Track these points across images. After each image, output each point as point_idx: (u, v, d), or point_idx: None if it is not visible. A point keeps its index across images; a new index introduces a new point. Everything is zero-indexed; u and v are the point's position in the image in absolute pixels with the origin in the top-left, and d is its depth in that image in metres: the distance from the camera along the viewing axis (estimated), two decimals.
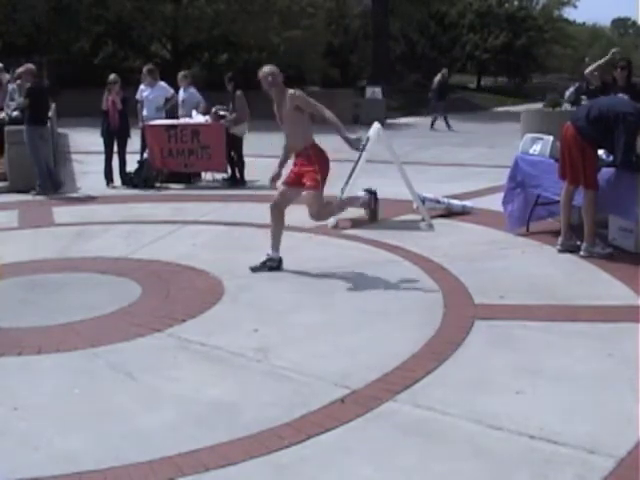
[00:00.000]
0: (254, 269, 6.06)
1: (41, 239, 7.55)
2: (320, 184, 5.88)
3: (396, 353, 4.36)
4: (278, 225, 6.11)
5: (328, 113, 5.83)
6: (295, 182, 5.96)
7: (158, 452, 3.30)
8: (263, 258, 6.09)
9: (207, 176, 11.52)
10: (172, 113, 11.70)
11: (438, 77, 22.94)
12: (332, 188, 8.52)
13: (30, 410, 3.75)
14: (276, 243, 6.11)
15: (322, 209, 6.01)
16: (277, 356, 4.37)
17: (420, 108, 29.92)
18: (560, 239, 6.71)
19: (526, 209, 7.44)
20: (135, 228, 7.95)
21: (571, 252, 6.57)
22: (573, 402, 3.75)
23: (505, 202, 7.55)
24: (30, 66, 10.45)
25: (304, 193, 5.91)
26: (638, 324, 4.77)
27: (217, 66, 27.74)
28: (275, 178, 6.17)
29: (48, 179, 10.24)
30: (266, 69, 5.96)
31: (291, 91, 5.85)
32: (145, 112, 11.39)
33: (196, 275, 6.10)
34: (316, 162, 5.86)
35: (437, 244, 7.03)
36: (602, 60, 8.10)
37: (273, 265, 6.07)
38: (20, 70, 10.73)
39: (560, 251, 6.63)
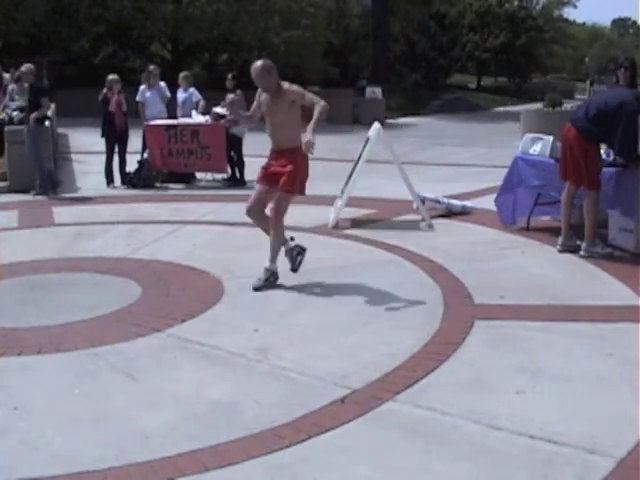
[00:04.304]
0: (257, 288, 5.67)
1: (41, 239, 7.55)
2: (297, 189, 5.65)
3: (396, 353, 4.36)
4: (264, 225, 5.79)
5: (320, 107, 5.41)
6: (273, 182, 5.64)
7: (158, 452, 3.30)
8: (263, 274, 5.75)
9: (207, 176, 11.53)
10: (171, 113, 11.72)
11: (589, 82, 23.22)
12: (332, 188, 8.56)
13: (30, 410, 3.75)
14: (274, 253, 5.73)
15: (283, 213, 5.69)
16: (277, 356, 4.37)
17: (420, 108, 29.96)
18: (560, 239, 6.71)
19: (516, 207, 7.54)
20: (135, 228, 7.95)
21: (571, 252, 6.57)
22: (573, 402, 3.75)
23: (497, 198, 7.64)
24: (30, 65, 10.46)
25: (278, 193, 5.62)
26: (638, 324, 4.77)
27: (217, 66, 27.77)
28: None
29: (48, 179, 10.24)
30: (260, 63, 5.55)
31: (287, 85, 5.59)
32: (148, 112, 11.39)
33: (196, 275, 6.10)
34: (301, 165, 5.62)
35: (437, 244, 7.03)
36: None
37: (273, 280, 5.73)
38: (22, 70, 10.74)
39: (560, 251, 6.63)
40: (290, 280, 5.81)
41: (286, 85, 5.62)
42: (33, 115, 9.92)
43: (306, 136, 5.38)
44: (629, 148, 6.25)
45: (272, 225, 5.72)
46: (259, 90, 5.74)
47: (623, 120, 6.15)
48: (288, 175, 5.58)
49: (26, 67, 10.40)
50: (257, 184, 5.86)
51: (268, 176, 5.73)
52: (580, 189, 6.53)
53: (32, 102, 10.07)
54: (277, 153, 5.71)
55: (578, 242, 6.62)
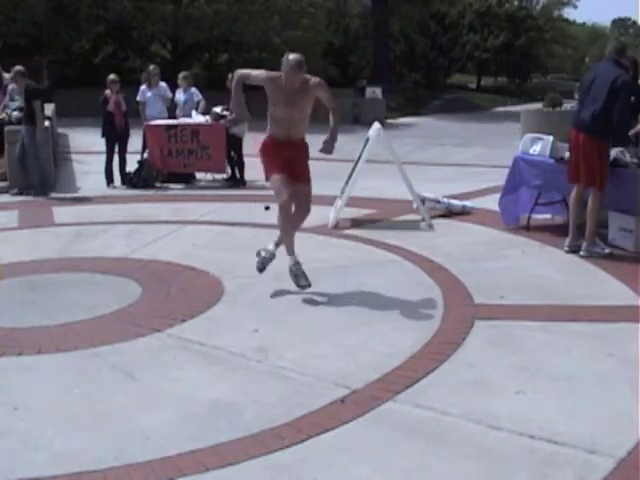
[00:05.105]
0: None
1: (41, 239, 7.55)
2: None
3: (396, 353, 4.36)
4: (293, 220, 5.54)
5: (337, 111, 5.52)
6: (290, 173, 5.45)
7: (158, 452, 3.30)
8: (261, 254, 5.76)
9: (207, 176, 11.53)
10: (171, 114, 11.73)
11: None
12: (332, 188, 8.56)
13: (30, 410, 3.75)
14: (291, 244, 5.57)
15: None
16: (277, 356, 4.37)
17: (420, 108, 29.95)
18: (568, 240, 6.66)
19: (518, 208, 7.53)
20: (135, 228, 7.95)
21: (572, 252, 6.57)
22: (573, 402, 3.75)
23: (500, 200, 7.62)
24: (19, 68, 10.46)
25: (304, 187, 5.52)
26: (638, 324, 4.77)
27: (217, 66, 27.73)
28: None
29: (46, 179, 10.24)
30: (299, 57, 5.36)
31: (313, 79, 5.40)
32: (148, 112, 11.39)
33: (196, 275, 6.10)
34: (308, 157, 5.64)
35: (437, 244, 7.03)
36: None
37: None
38: (15, 72, 10.73)
39: (568, 252, 6.60)
40: (290, 280, 5.81)
41: (312, 79, 5.42)
42: (39, 127, 9.93)
43: (332, 140, 5.41)
44: (625, 126, 6.23)
45: (305, 215, 5.59)
46: (263, 75, 5.60)
47: (620, 97, 6.12)
48: (306, 165, 5.59)
49: (15, 70, 10.42)
50: (277, 174, 5.42)
51: (287, 167, 5.43)
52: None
53: (27, 103, 10.08)
54: (288, 145, 5.47)
55: (579, 242, 6.62)
